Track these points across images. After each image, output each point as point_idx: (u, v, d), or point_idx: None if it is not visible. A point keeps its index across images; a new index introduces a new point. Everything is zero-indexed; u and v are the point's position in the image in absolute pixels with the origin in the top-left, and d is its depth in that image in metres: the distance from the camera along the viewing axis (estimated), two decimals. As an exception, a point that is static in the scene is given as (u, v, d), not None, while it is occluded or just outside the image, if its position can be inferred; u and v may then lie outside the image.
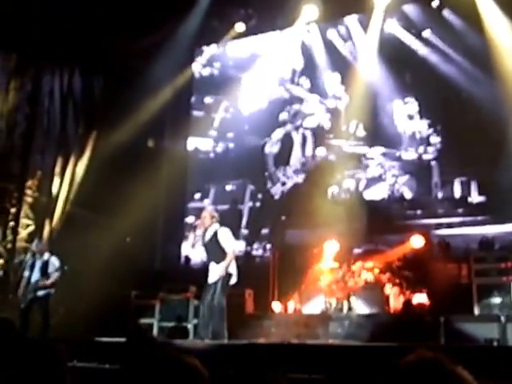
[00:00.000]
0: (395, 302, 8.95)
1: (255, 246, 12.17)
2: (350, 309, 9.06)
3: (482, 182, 10.50)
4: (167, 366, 2.02)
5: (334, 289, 9.33)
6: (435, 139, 11.16)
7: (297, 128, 12.61)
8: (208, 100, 13.61)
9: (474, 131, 10.33)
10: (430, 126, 11.27)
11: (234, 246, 7.93)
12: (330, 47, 12.40)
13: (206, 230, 7.84)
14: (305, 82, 12.75)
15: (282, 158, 12.59)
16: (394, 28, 11.78)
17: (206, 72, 13.73)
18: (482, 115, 10.16)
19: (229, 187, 12.90)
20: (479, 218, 10.32)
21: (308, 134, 12.48)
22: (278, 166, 12.57)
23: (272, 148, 12.71)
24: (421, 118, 11.36)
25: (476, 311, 7.98)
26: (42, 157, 12.02)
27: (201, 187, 13.16)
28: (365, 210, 10.91)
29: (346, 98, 12.11)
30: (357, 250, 10.23)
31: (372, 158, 11.62)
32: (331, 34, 12.46)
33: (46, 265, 9.17)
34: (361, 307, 9.09)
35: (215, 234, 7.76)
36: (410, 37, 11.58)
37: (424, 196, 11.06)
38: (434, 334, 7.30)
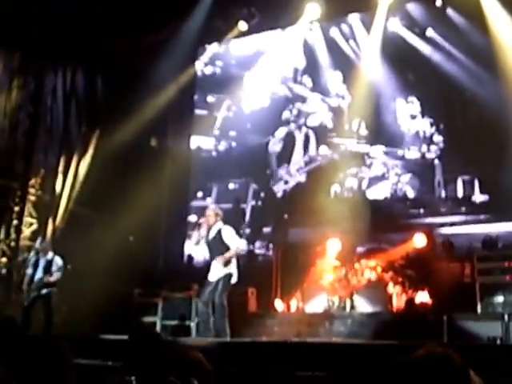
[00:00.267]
0: (398, 301, 8.94)
1: (258, 244, 12.17)
2: (352, 307, 9.07)
3: (486, 180, 10.48)
4: (173, 361, 2.04)
5: (336, 287, 9.33)
6: (438, 138, 11.14)
7: (299, 127, 12.60)
8: (211, 99, 13.61)
9: (477, 130, 10.33)
10: (432, 124, 11.25)
11: (237, 243, 8.00)
12: (332, 46, 12.38)
13: (210, 228, 7.90)
14: (307, 80, 12.74)
15: (285, 156, 12.59)
16: (397, 27, 11.75)
17: (209, 71, 13.72)
18: (485, 114, 10.15)
19: (231, 186, 12.90)
20: (482, 216, 10.31)
21: (310, 132, 12.47)
22: (281, 165, 12.56)
23: (275, 146, 12.71)
24: (424, 116, 11.34)
25: (479, 310, 7.98)
26: (45, 155, 12.03)
27: (203, 186, 13.15)
28: (368, 209, 10.90)
29: (349, 96, 12.10)
30: (360, 249, 10.23)
31: (375, 157, 11.61)
32: (334, 32, 12.44)
33: (49, 264, 9.21)
34: (363, 306, 9.10)
35: (219, 231, 7.83)
36: (413, 36, 11.55)
37: (427, 195, 11.05)
38: (437, 332, 7.29)
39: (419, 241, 9.63)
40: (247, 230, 12.35)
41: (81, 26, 11.43)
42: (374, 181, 11.53)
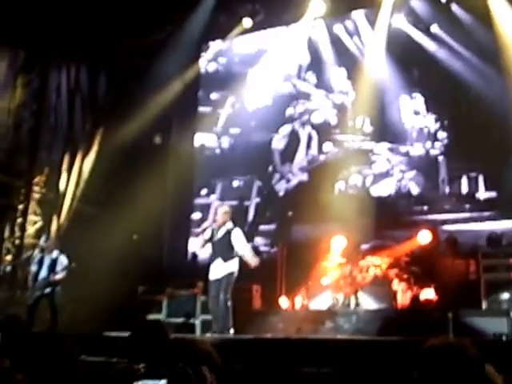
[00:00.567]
0: (403, 298, 8.92)
1: (262, 241, 12.15)
2: (357, 304, 9.04)
3: (490, 177, 10.45)
4: (182, 350, 2.04)
5: (341, 284, 9.31)
6: (443, 134, 11.11)
7: (303, 124, 12.57)
8: (214, 96, 13.59)
9: (481, 126, 10.28)
10: (437, 121, 11.22)
11: (245, 248, 8.04)
12: (336, 42, 12.35)
13: (218, 227, 7.93)
14: (311, 77, 12.71)
15: (289, 154, 12.56)
16: (402, 23, 11.71)
17: (213, 68, 13.70)
18: (490, 110, 10.10)
19: (236, 183, 12.87)
20: (487, 213, 10.28)
21: (314, 130, 12.44)
22: (285, 162, 12.54)
23: (278, 144, 12.68)
24: (428, 113, 11.31)
25: (484, 307, 7.96)
26: (50, 153, 12.06)
27: (207, 183, 13.14)
28: (372, 206, 10.89)
29: (353, 93, 12.06)
30: (364, 246, 10.21)
31: (379, 154, 11.58)
32: (338, 29, 12.41)
33: (54, 262, 9.21)
34: (368, 303, 9.07)
35: (228, 232, 7.87)
36: (417, 32, 11.51)
37: (431, 191, 11.01)
38: (442, 329, 7.27)
39: (424, 237, 9.61)
40: (252, 227, 12.32)
41: (85, 23, 11.43)
42: (378, 178, 11.50)
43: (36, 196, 11.66)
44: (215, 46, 13.52)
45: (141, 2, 11.48)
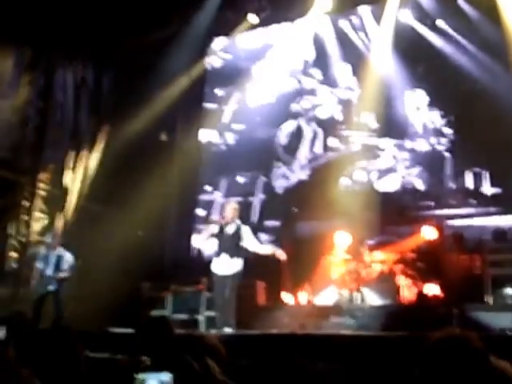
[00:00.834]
0: (408, 293, 8.91)
1: (267, 237, 12.13)
2: (362, 300, 9.05)
3: (496, 173, 10.40)
4: (189, 343, 2.07)
5: (346, 280, 9.32)
6: (448, 130, 11.07)
7: (309, 120, 12.55)
8: (220, 92, 13.59)
9: (487, 122, 10.21)
10: (443, 116, 11.18)
11: (254, 245, 8.11)
12: (342, 38, 12.32)
13: (227, 223, 7.94)
14: (316, 73, 12.69)
15: (294, 150, 12.54)
16: (408, 18, 11.68)
17: (218, 64, 13.70)
18: (496, 106, 10.04)
19: (241, 179, 12.86)
20: (493, 209, 10.24)
21: (320, 126, 12.42)
22: (290, 158, 12.52)
23: (283, 140, 12.67)
24: (434, 109, 11.27)
25: (489, 302, 7.95)
26: (55, 150, 12.07)
27: (212, 179, 13.14)
28: (377, 202, 10.86)
29: (358, 89, 12.03)
30: (369, 242, 10.18)
31: (384, 150, 11.55)
32: (343, 24, 12.38)
33: (59, 260, 9.22)
34: (373, 298, 9.07)
35: (238, 228, 7.96)
36: (423, 27, 11.47)
37: (437, 187, 10.97)
38: (448, 324, 7.24)
39: (429, 233, 9.59)
40: (256, 223, 12.31)
41: (90, 20, 11.44)
42: (383, 173, 11.47)
43: (41, 193, 11.68)
44: (221, 41, 13.51)
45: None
